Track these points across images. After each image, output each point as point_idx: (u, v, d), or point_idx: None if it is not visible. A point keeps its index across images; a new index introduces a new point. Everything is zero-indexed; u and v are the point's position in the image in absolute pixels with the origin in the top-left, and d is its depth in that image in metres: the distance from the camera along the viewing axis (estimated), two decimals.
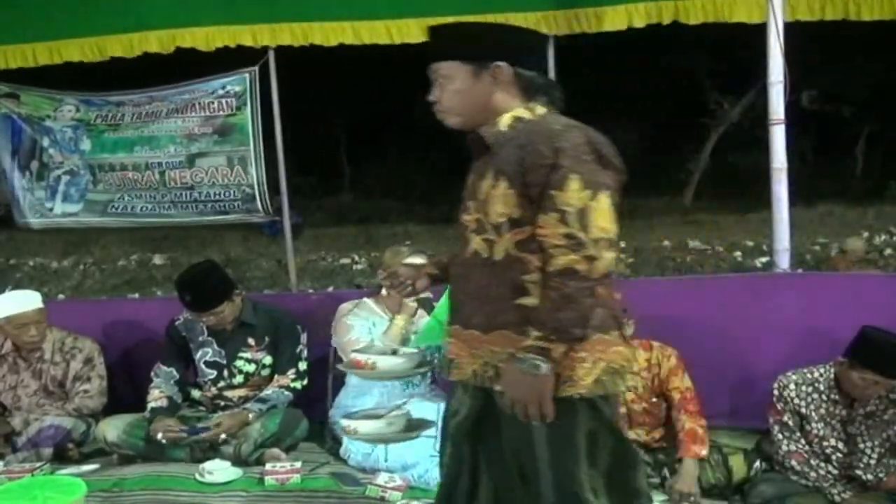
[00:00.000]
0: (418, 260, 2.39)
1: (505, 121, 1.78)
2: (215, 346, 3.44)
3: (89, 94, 4.60)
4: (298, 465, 3.09)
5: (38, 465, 3.15)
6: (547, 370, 1.64)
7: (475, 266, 1.78)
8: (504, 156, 1.73)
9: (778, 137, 3.53)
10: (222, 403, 3.46)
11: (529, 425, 1.70)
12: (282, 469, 3.06)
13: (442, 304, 3.09)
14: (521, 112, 1.78)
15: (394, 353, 2.22)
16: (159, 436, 3.19)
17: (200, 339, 3.46)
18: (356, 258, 11.57)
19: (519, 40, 1.84)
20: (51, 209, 4.70)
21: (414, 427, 2.35)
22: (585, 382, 1.71)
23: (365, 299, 3.46)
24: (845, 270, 5.93)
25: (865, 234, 11.21)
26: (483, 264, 1.76)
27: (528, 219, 1.69)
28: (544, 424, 1.69)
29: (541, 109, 1.79)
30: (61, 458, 3.33)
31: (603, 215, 1.63)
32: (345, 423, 2.30)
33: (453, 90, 1.79)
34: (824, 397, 2.82)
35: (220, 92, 4.41)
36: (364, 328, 3.32)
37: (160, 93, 4.48)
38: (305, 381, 3.43)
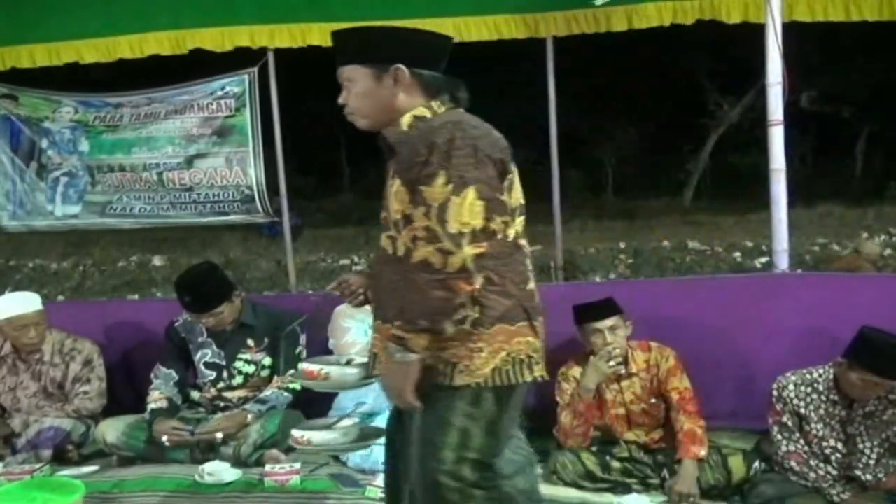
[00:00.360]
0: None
1: (406, 120, 1.82)
2: (215, 348, 3.44)
3: (88, 96, 4.60)
4: (298, 466, 3.09)
5: (37, 466, 3.15)
6: (404, 359, 1.69)
7: (386, 262, 1.84)
8: (401, 154, 1.79)
9: (776, 138, 3.53)
10: (222, 404, 3.45)
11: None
12: (281, 470, 3.06)
13: None
14: (422, 111, 1.82)
15: (348, 363, 2.18)
16: (164, 438, 3.19)
17: (200, 340, 3.46)
18: (356, 259, 11.57)
19: (417, 42, 1.86)
20: (51, 211, 4.70)
21: (367, 436, 2.32)
22: (482, 371, 1.76)
23: None
24: (858, 271, 5.92)
25: (865, 235, 11.21)
26: (390, 260, 1.82)
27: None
28: (425, 410, 1.77)
29: (440, 107, 1.84)
30: (61, 459, 3.34)
31: (466, 210, 1.65)
32: (296, 434, 2.25)
33: (358, 93, 1.84)
34: (823, 398, 2.81)
35: (220, 93, 4.42)
36: (360, 330, 3.32)
37: (159, 94, 4.48)
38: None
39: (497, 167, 1.75)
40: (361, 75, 1.83)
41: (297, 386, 3.40)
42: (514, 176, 1.86)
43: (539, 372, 1.84)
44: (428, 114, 1.82)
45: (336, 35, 1.89)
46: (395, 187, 1.76)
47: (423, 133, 1.74)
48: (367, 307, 3.29)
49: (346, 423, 2.38)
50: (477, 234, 1.66)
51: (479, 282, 1.68)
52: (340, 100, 1.88)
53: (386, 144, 1.87)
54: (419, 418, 1.81)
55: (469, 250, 1.64)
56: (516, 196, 1.86)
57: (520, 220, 1.87)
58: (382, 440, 2.21)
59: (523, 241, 1.89)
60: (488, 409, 1.79)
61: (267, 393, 3.37)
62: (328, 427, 2.33)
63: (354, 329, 3.34)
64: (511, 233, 1.81)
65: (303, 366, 2.20)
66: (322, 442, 2.25)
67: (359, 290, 2.07)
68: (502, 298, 1.77)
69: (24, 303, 3.49)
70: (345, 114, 1.90)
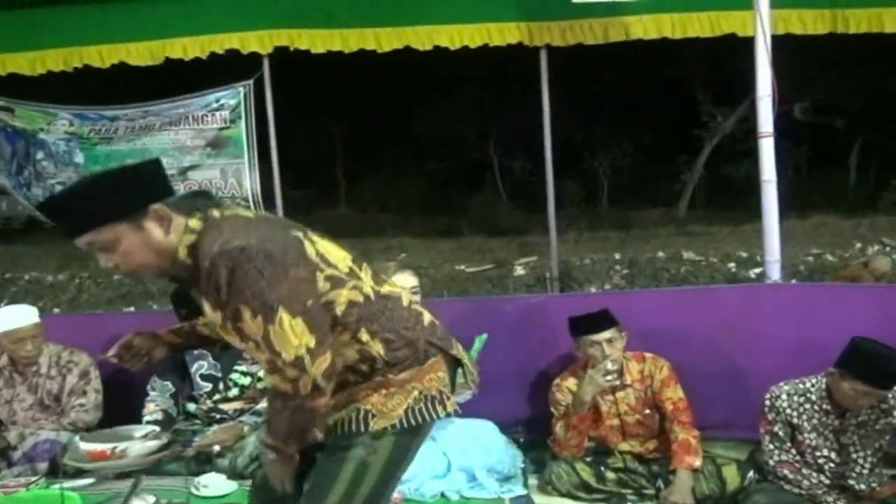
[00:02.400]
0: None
1: (182, 253, 1.68)
2: (210, 360, 3.44)
3: (84, 109, 4.62)
4: None
5: (33, 479, 3.15)
6: (274, 460, 1.73)
7: None
8: (199, 284, 1.66)
9: (767, 150, 3.56)
10: (218, 416, 3.45)
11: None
12: None
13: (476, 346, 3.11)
14: (189, 238, 1.67)
15: (145, 436, 2.04)
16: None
17: (196, 352, 3.46)
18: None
19: (149, 178, 1.71)
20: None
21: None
22: (396, 413, 1.75)
23: None
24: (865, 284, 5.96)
25: (858, 245, 11.26)
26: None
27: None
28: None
29: (196, 224, 1.68)
30: (57, 472, 3.31)
31: (290, 335, 1.59)
32: (87, 446, 2.01)
33: (123, 251, 1.67)
34: (816, 408, 2.82)
35: (214, 105, 4.44)
36: None
37: (155, 107, 4.51)
38: None
39: (294, 258, 1.64)
40: (122, 234, 1.64)
41: None
42: (319, 238, 1.76)
43: (451, 407, 1.82)
44: (194, 237, 1.66)
45: (61, 208, 1.68)
46: (219, 320, 1.67)
47: (205, 268, 1.60)
48: None
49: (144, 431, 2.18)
50: (314, 349, 1.60)
51: (330, 388, 1.66)
52: (106, 263, 1.70)
53: (183, 280, 1.76)
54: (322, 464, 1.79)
55: (315, 370, 1.60)
56: (340, 255, 1.76)
57: (366, 270, 1.80)
58: None
59: (388, 287, 1.84)
60: (398, 449, 1.77)
61: (263, 405, 3.37)
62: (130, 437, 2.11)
63: None
64: (368, 289, 1.75)
65: (85, 446, 1.97)
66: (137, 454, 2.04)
67: (142, 353, 1.99)
68: (404, 349, 1.76)
69: (21, 316, 3.49)
70: (125, 273, 1.78)
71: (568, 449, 3.08)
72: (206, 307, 1.67)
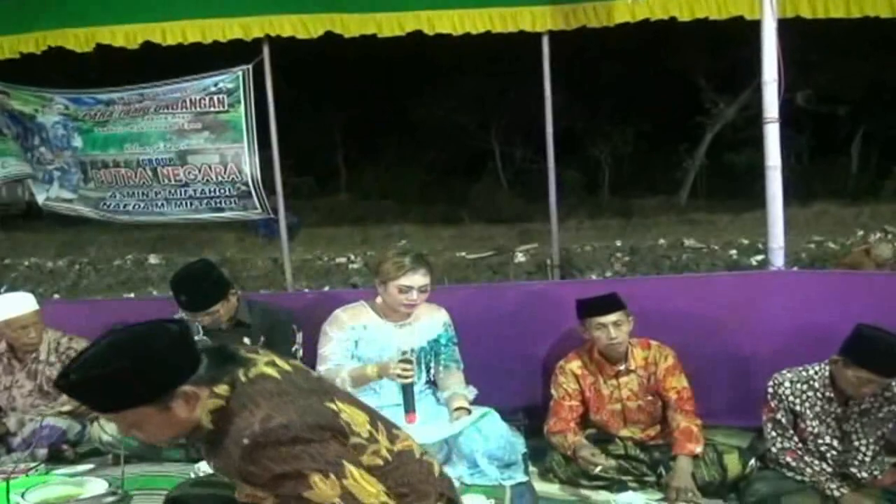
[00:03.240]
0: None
1: (205, 421, 1.67)
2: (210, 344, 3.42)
3: (79, 92, 4.58)
4: None
5: (33, 465, 3.13)
6: None
7: None
8: (224, 455, 1.66)
9: (772, 136, 3.53)
10: None
11: None
12: None
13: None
14: (212, 404, 1.66)
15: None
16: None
17: (196, 338, 3.44)
18: (352, 258, 11.57)
19: (177, 356, 1.66)
20: (47, 190, 4.70)
21: None
22: None
23: (362, 302, 3.44)
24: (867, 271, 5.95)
25: (860, 233, 11.25)
26: None
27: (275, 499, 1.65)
28: None
29: (223, 389, 1.67)
30: (56, 458, 3.32)
31: (365, 484, 1.62)
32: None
33: (152, 429, 1.65)
34: (819, 395, 2.81)
35: (213, 89, 4.40)
36: (342, 346, 3.29)
37: (151, 90, 4.46)
38: None
39: (331, 427, 1.67)
40: (147, 415, 1.61)
41: None
42: (344, 405, 1.78)
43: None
44: (220, 403, 1.66)
45: (87, 389, 1.61)
46: (245, 491, 1.66)
47: (245, 445, 1.59)
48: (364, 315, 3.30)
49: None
50: (388, 493, 1.66)
51: None
52: (126, 433, 1.69)
53: (196, 441, 1.73)
54: None
55: None
56: (361, 419, 1.79)
57: (382, 431, 1.84)
58: None
59: (401, 444, 1.88)
60: None
61: None
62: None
63: (336, 341, 3.30)
64: (385, 452, 1.79)
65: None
66: None
67: None
68: (416, 502, 1.80)
69: (21, 304, 3.48)
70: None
71: (555, 436, 3.08)
72: (242, 485, 1.65)
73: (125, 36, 4.27)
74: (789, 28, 3.73)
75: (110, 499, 1.86)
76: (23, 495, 1.76)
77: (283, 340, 3.41)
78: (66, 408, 3.42)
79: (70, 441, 3.40)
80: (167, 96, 4.45)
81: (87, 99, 4.55)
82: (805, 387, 2.83)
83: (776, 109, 3.48)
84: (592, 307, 3.10)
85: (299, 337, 3.45)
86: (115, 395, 1.58)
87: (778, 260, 3.58)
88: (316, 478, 1.57)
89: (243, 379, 1.69)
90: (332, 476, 1.58)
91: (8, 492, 1.79)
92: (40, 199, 4.80)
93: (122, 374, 1.56)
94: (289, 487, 1.58)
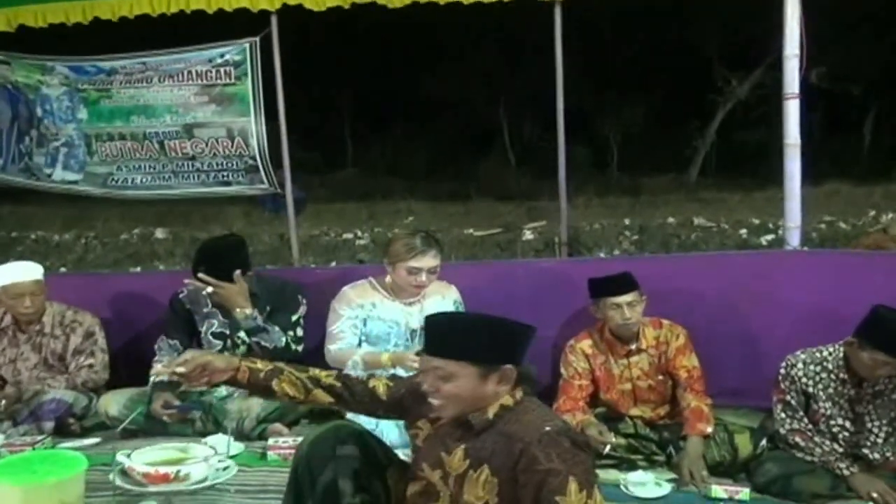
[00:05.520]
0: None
1: (493, 410, 1.82)
2: (220, 317, 3.41)
3: (81, 60, 4.53)
4: (301, 440, 3.06)
5: (38, 438, 3.14)
6: None
7: None
8: (487, 443, 1.80)
9: (792, 112, 3.45)
10: None
11: None
12: (284, 444, 3.03)
13: None
14: (507, 400, 1.84)
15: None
16: (164, 418, 3.16)
17: (205, 310, 3.43)
18: (359, 233, 11.54)
19: (522, 338, 1.86)
20: (49, 175, 4.66)
21: None
22: None
23: (370, 279, 3.41)
24: (883, 251, 5.88)
25: (872, 213, 11.14)
26: None
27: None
28: None
29: (519, 394, 1.86)
30: (62, 431, 3.32)
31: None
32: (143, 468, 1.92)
33: (455, 388, 1.80)
34: (833, 377, 2.78)
35: (219, 61, 4.35)
36: (350, 323, 3.26)
37: (153, 60, 4.40)
38: (301, 348, 3.37)
39: (591, 451, 1.86)
40: (466, 372, 1.78)
41: (293, 347, 3.33)
42: None
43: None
44: (511, 402, 1.83)
45: (438, 323, 1.86)
46: (481, 476, 1.78)
47: (525, 431, 1.75)
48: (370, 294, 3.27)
49: None
50: None
51: None
52: (426, 386, 1.83)
53: (465, 425, 1.85)
54: None
55: None
56: None
57: None
58: None
59: None
60: None
61: (273, 326, 3.31)
62: None
63: (346, 318, 3.28)
64: None
65: (140, 468, 1.85)
66: None
67: (205, 374, 1.96)
68: None
69: (22, 272, 3.45)
70: (429, 399, 1.85)
71: (563, 414, 3.05)
72: (457, 459, 1.82)
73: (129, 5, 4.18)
74: (804, 5, 3.63)
75: (220, 464, 1.88)
76: (128, 456, 1.78)
77: (287, 308, 3.39)
78: (181, 369, 3.39)
79: (76, 415, 3.40)
80: (170, 66, 4.39)
81: (89, 67, 4.50)
82: (819, 368, 2.80)
83: (797, 85, 3.40)
84: (606, 287, 3.05)
85: (303, 309, 3.43)
86: (462, 343, 1.77)
87: (794, 239, 3.53)
88: (573, 486, 1.68)
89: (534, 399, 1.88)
90: (585, 492, 1.69)
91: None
92: (40, 184, 4.75)
93: (481, 327, 1.81)
94: (553, 485, 1.67)
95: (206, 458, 1.89)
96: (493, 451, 1.78)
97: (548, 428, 1.75)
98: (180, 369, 1.92)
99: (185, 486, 1.84)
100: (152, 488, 1.82)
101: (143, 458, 1.88)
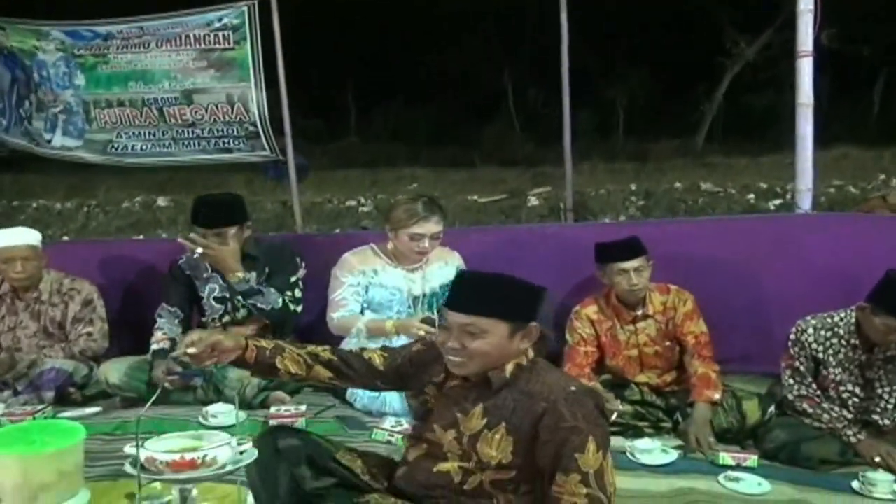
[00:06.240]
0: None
1: (510, 367, 1.85)
2: (221, 282, 3.38)
3: (76, 24, 4.44)
4: (303, 408, 3.05)
5: (39, 408, 3.13)
6: None
7: (441, 486, 1.86)
8: (507, 401, 1.82)
9: (805, 71, 3.34)
10: None
11: None
12: (286, 413, 3.02)
13: None
14: (521, 360, 1.87)
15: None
16: (166, 384, 3.14)
17: (205, 275, 3.42)
18: (362, 201, 11.48)
19: (541, 298, 1.90)
20: (49, 141, 4.61)
21: None
22: None
23: (371, 245, 3.36)
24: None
25: (882, 177, 11.02)
26: (448, 486, 1.85)
27: (517, 465, 1.79)
28: None
29: (531, 354, 1.89)
30: (63, 401, 3.31)
31: (610, 475, 1.75)
32: (166, 456, 1.78)
33: (485, 345, 1.81)
34: (843, 342, 2.75)
35: (217, 25, 4.26)
36: (353, 289, 3.22)
37: (150, 24, 4.32)
38: (300, 309, 3.35)
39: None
40: (497, 329, 1.81)
41: (292, 307, 3.31)
42: None
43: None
44: (525, 362, 1.86)
45: (472, 281, 1.89)
46: (497, 434, 1.80)
47: (547, 390, 1.78)
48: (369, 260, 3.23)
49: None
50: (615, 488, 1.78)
51: None
52: (451, 343, 1.83)
53: (482, 384, 1.86)
54: None
55: None
56: None
57: None
58: None
59: None
60: None
61: (268, 288, 3.27)
62: None
63: (348, 285, 3.23)
64: None
65: (163, 456, 1.76)
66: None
67: (214, 354, 1.94)
68: None
69: (14, 236, 3.41)
70: (449, 357, 1.85)
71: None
72: (475, 418, 1.82)
73: None
74: None
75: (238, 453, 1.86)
76: (143, 445, 1.73)
77: (285, 270, 3.37)
78: (192, 350, 3.37)
79: (76, 384, 3.39)
80: (167, 31, 4.31)
81: (85, 32, 4.42)
82: (829, 334, 2.77)
83: (811, 42, 3.29)
84: (613, 252, 3.00)
85: (302, 271, 3.41)
86: (498, 300, 1.80)
87: (805, 203, 3.44)
88: (592, 446, 1.71)
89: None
90: (601, 452, 1.72)
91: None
92: (40, 149, 4.70)
93: (516, 286, 1.85)
94: (574, 443, 1.71)
95: (229, 443, 1.86)
96: (513, 409, 1.80)
97: (573, 388, 1.80)
98: (192, 350, 1.91)
99: (211, 471, 1.79)
100: (178, 475, 1.77)
101: (157, 446, 1.84)
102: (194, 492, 1.88)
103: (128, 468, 1.80)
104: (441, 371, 1.91)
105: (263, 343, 2.01)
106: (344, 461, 1.94)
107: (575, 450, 1.71)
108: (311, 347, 2.05)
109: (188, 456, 1.78)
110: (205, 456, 1.79)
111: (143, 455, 1.76)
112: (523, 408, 1.79)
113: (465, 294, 1.85)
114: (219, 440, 1.88)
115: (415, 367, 2.00)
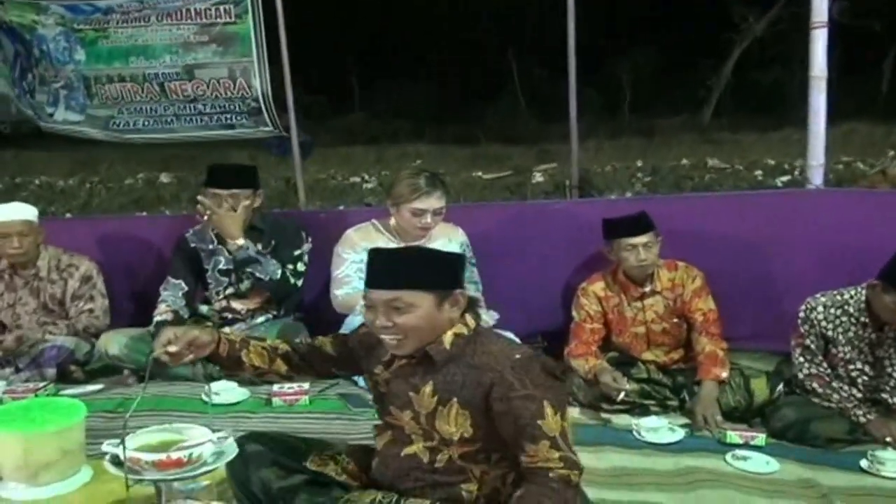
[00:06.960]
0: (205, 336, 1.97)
1: (448, 339, 1.82)
2: (227, 254, 3.35)
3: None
4: (307, 386, 3.03)
5: (41, 385, 3.11)
6: None
7: (413, 468, 1.86)
8: (456, 375, 1.79)
9: (819, 43, 3.25)
10: (230, 317, 3.40)
11: None
12: (289, 390, 3.00)
13: None
14: (460, 328, 1.84)
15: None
16: (164, 358, 3.11)
17: (211, 247, 3.40)
18: (366, 177, 11.43)
19: (460, 265, 1.90)
20: (51, 115, 4.57)
21: None
22: None
23: (373, 221, 3.33)
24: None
25: (891, 153, 10.91)
26: (419, 467, 1.85)
27: (480, 437, 1.78)
28: None
29: (472, 322, 1.86)
30: (65, 378, 3.29)
31: (571, 430, 1.78)
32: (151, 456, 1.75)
33: (414, 318, 1.78)
34: (853, 320, 2.71)
35: None
36: (355, 266, 3.19)
37: None
38: (300, 282, 3.34)
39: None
40: (423, 302, 1.78)
41: (293, 280, 3.31)
42: None
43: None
44: (465, 331, 1.84)
45: (393, 256, 1.88)
46: (451, 410, 1.78)
47: (492, 359, 1.77)
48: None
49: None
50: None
51: None
52: (380, 322, 1.80)
53: (425, 360, 1.83)
54: None
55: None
56: None
57: None
58: None
59: None
60: None
61: (268, 258, 3.27)
62: None
63: (350, 262, 3.21)
64: None
65: (147, 456, 1.74)
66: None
67: (190, 351, 1.94)
68: None
69: (10, 211, 3.38)
70: (383, 337, 1.83)
71: (574, 359, 2.98)
72: (426, 396, 1.80)
73: None
74: None
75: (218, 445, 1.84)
76: (122, 443, 1.71)
77: (290, 244, 3.36)
78: (172, 348, 3.34)
79: (78, 361, 3.37)
80: (168, 4, 4.24)
81: (84, 6, 4.35)
82: (839, 311, 2.73)
83: (825, 12, 3.20)
84: (621, 227, 2.96)
85: (307, 246, 3.39)
86: (418, 272, 1.79)
87: (817, 178, 3.38)
88: (549, 410, 1.71)
89: (482, 323, 1.90)
90: (559, 415, 1.72)
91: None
92: (43, 123, 4.67)
93: (429, 257, 1.90)
94: (532, 410, 1.70)
95: (212, 440, 1.83)
96: (462, 383, 1.78)
97: (518, 356, 1.77)
98: (172, 348, 1.89)
99: (196, 467, 1.78)
100: (164, 475, 1.75)
101: (136, 441, 1.82)
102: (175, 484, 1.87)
103: (108, 466, 1.78)
104: (387, 351, 1.88)
105: (232, 336, 2.03)
106: (312, 468, 1.93)
107: (534, 416, 1.70)
108: (271, 342, 2.08)
109: (174, 455, 1.77)
110: (190, 454, 1.78)
111: (128, 455, 1.73)
112: (472, 381, 1.77)
113: (384, 270, 1.82)
114: (199, 434, 1.86)
115: (364, 350, 1.97)
